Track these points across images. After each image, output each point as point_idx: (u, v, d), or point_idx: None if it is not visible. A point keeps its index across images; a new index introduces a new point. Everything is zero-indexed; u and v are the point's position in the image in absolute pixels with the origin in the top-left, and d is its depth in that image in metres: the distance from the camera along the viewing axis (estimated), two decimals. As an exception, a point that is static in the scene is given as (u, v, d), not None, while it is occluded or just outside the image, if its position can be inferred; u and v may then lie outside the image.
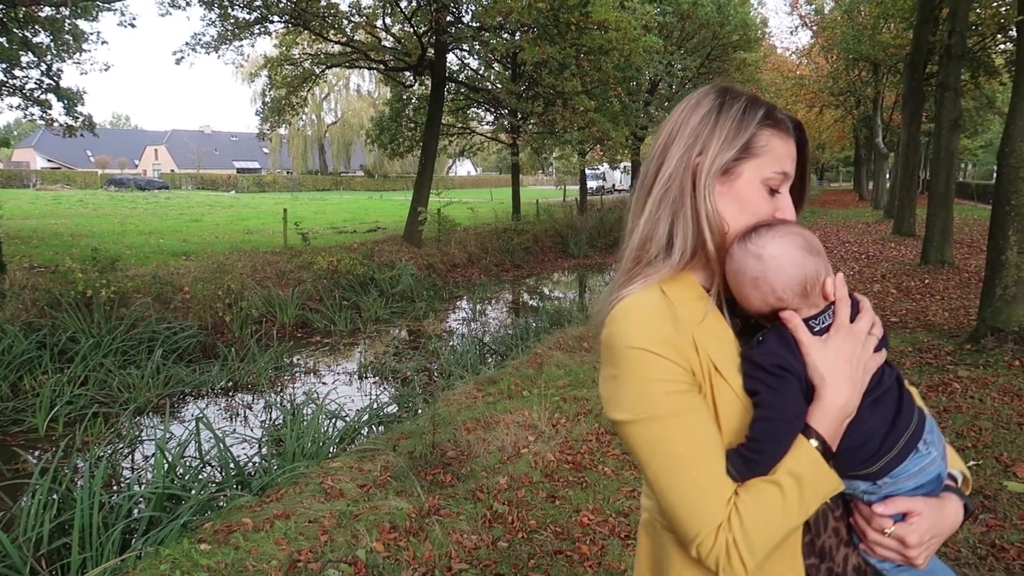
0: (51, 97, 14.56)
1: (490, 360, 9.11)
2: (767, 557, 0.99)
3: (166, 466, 4.80)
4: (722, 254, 1.08)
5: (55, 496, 4.34)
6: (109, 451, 6.18)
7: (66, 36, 14.18)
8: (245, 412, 7.57)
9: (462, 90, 21.86)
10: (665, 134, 1.14)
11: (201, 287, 10.75)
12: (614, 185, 55.42)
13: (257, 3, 15.40)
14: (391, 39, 18.21)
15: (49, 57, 14.29)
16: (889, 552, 1.05)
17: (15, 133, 67.89)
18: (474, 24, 17.92)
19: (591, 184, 42.21)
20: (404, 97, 21.52)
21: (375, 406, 6.91)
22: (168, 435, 5.87)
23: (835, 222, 24.79)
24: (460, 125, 24.45)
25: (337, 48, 18.09)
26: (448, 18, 17.04)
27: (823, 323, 1.05)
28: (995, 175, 7.20)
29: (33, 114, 14.75)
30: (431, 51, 17.33)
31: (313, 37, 17.65)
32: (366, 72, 49.47)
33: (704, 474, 1.00)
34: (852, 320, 1.06)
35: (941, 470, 1.09)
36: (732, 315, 1.12)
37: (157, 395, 7.63)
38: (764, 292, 1.05)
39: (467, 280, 16.48)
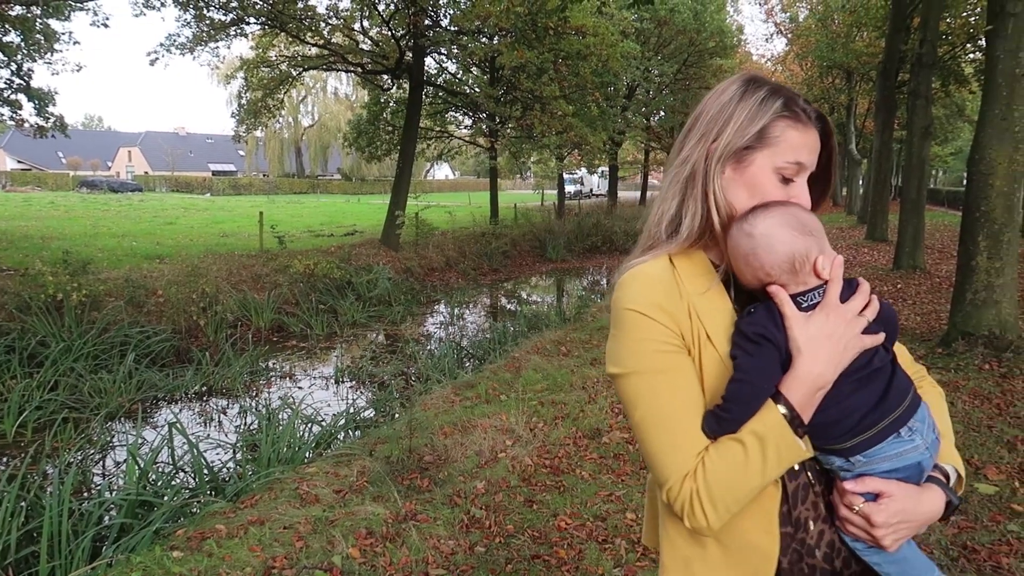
0: (21, 97, 14.36)
1: (468, 364, 9.09)
2: (731, 512, 1.06)
3: (138, 472, 4.72)
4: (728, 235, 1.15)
5: (23, 503, 4.26)
6: (79, 457, 6.08)
7: (37, 35, 13.98)
8: (219, 417, 7.48)
9: (440, 94, 21.83)
10: (691, 120, 1.21)
11: (175, 291, 10.62)
12: (592, 190, 55.65)
13: (233, 4, 15.27)
14: (369, 42, 18.14)
15: (20, 57, 14.08)
16: (857, 530, 1.08)
17: (-16, 134, 66.68)
18: (452, 28, 17.91)
19: (569, 189, 42.36)
20: (382, 100, 21.44)
21: (352, 411, 6.86)
22: (140, 441, 5.78)
23: (809, 227, 25.03)
24: (438, 129, 24.41)
25: (314, 50, 17.97)
26: (426, 21, 17.02)
27: (812, 300, 1.09)
28: (965, 182, 7.33)
29: (3, 114, 14.52)
30: (409, 54, 17.29)
31: (290, 39, 17.52)
32: (343, 75, 49.30)
33: (679, 427, 1.09)
34: (844, 300, 1.08)
35: (923, 459, 1.10)
36: (740, 291, 1.17)
37: (129, 400, 7.52)
38: (755, 268, 1.11)
39: (445, 284, 16.44)
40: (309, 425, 6.21)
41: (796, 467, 1.11)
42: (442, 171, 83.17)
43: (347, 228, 21.81)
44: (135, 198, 39.89)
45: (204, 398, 8.03)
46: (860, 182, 30.57)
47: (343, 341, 10.96)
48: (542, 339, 8.68)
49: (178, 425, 5.50)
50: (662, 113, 33.68)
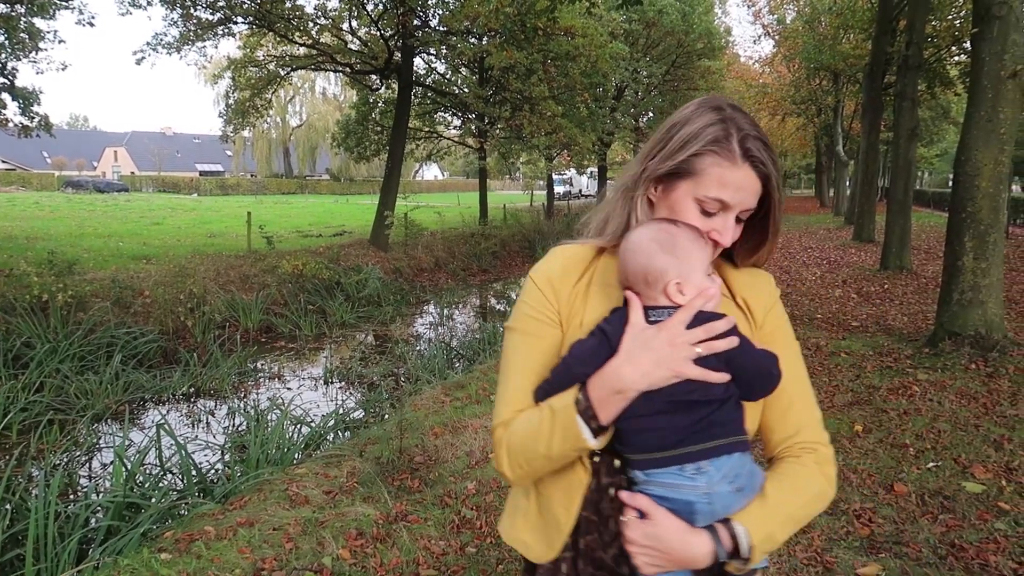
0: (5, 96, 14.21)
1: (458, 365, 9.08)
2: (524, 470, 1.18)
3: (125, 474, 4.68)
4: None
5: (8, 506, 4.21)
6: (65, 459, 6.02)
7: (21, 34, 13.82)
8: (208, 418, 7.43)
9: (429, 94, 21.81)
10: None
11: (162, 291, 10.54)
12: (581, 190, 55.75)
13: (220, 4, 15.20)
14: (357, 42, 18.09)
15: (3, 55, 13.93)
16: (625, 540, 1.14)
17: (-32, 133, 65.97)
18: (441, 28, 17.90)
19: (558, 189, 42.41)
20: (370, 100, 21.39)
21: (341, 411, 6.83)
22: (127, 442, 5.73)
23: (797, 228, 25.21)
24: (427, 129, 24.38)
25: (302, 50, 17.91)
26: (415, 22, 17.00)
27: (659, 317, 1.12)
28: (951, 183, 7.39)
29: (-14, 114, 14.36)
30: (398, 54, 17.26)
31: (278, 39, 17.45)
32: (332, 75, 49.17)
33: (515, 382, 1.22)
34: (690, 327, 1.09)
35: (697, 501, 1.09)
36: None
37: (116, 401, 7.46)
38: (619, 271, 1.19)
39: (434, 284, 16.41)
40: (298, 426, 6.18)
41: (616, 466, 1.17)
42: (431, 171, 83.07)
43: (336, 228, 21.74)
44: (121, 198, 39.61)
45: (192, 399, 7.97)
46: (847, 183, 30.76)
47: (332, 342, 10.92)
48: (532, 339, 8.66)
49: (166, 426, 5.45)
50: (651, 114, 33.79)
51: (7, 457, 5.74)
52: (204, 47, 16.47)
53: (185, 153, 75.44)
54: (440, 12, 18.03)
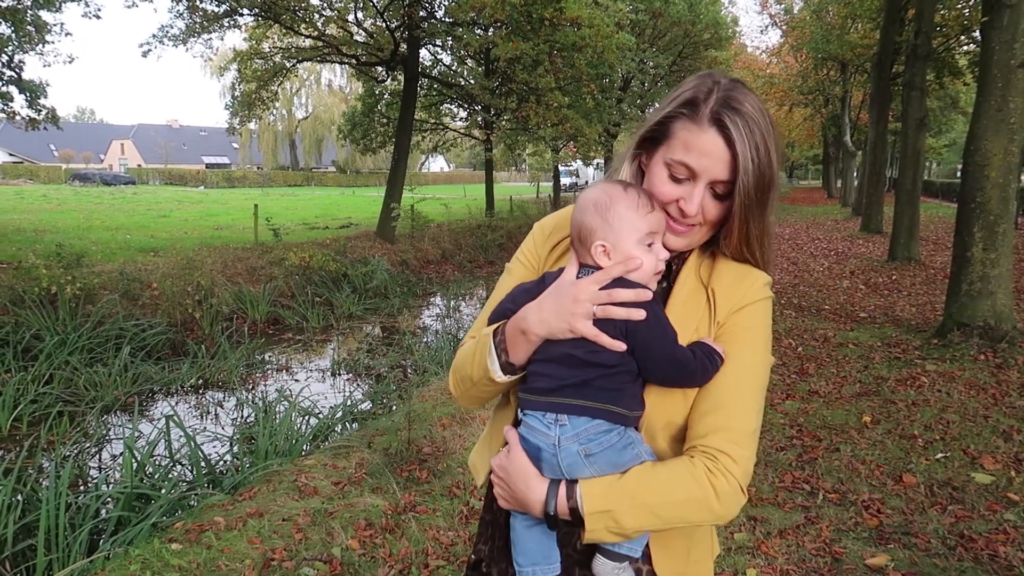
0: (12, 89, 14.24)
1: (464, 356, 9.07)
2: (463, 387, 1.28)
3: (135, 465, 4.71)
4: None
5: (19, 497, 4.24)
6: (75, 450, 6.06)
7: (28, 27, 13.84)
8: (216, 410, 7.47)
9: (435, 86, 21.75)
10: None
11: (170, 284, 10.58)
12: (587, 182, 55.56)
13: (226, -5, 15.18)
14: (363, 34, 18.06)
15: (10, 48, 13.95)
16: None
17: (-25, 126, 66.20)
18: (447, 19, 17.83)
19: (564, 181, 42.32)
20: (376, 92, 21.37)
21: (349, 403, 6.84)
22: (137, 434, 5.76)
23: (805, 219, 25.12)
24: (433, 121, 24.34)
25: (308, 42, 17.88)
26: (421, 13, 16.94)
27: (584, 274, 1.15)
28: (960, 173, 7.34)
29: (-6, 106, 14.39)
30: (404, 46, 17.22)
31: (284, 31, 17.44)
32: (337, 67, 49.15)
33: (485, 312, 1.31)
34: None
35: (543, 448, 1.12)
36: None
37: (125, 393, 7.49)
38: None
39: (441, 276, 16.42)
40: (306, 417, 6.20)
41: None
42: (437, 163, 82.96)
43: (342, 221, 21.76)
44: (128, 191, 39.69)
45: (200, 391, 8.01)
46: (854, 174, 30.61)
47: (339, 334, 10.94)
48: (538, 331, 8.66)
49: (175, 418, 5.48)
50: (657, 105, 33.63)
51: (18, 448, 5.78)
52: (210, 39, 16.45)
53: (191, 146, 75.57)
54: (446, 3, 17.95)
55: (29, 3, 13.45)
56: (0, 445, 6.29)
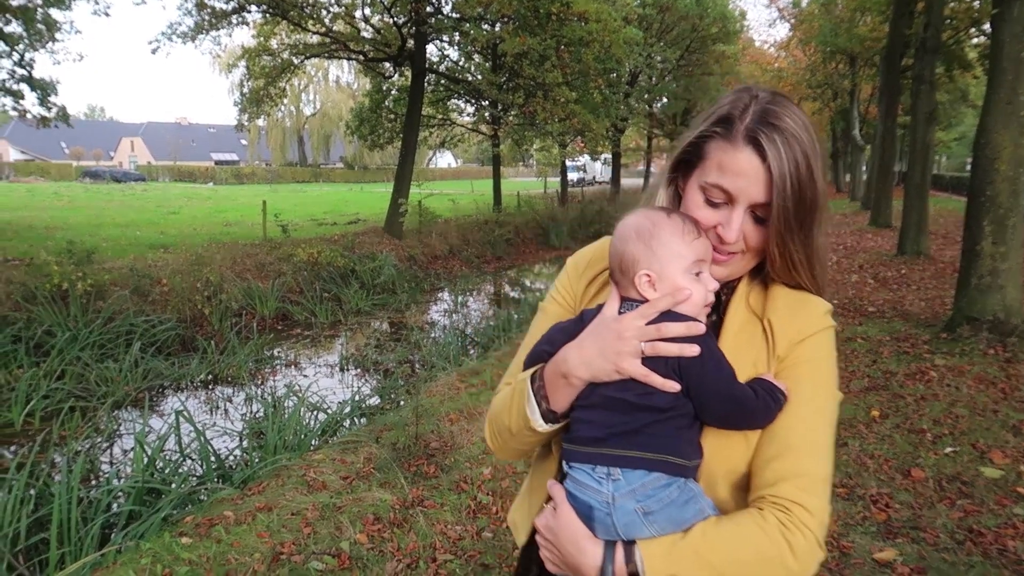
0: (24, 87, 14.32)
1: (472, 351, 9.11)
2: (498, 441, 1.21)
3: (145, 460, 4.75)
4: None
5: (32, 491, 4.29)
6: (87, 445, 6.11)
7: (39, 25, 13.92)
8: (225, 405, 7.51)
9: (442, 81, 21.74)
10: None
11: (179, 280, 10.63)
12: (595, 177, 55.51)
13: (234, -8, 15.21)
14: (370, 30, 18.05)
15: (21, 47, 14.04)
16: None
17: (-14, 124, 66.59)
18: (454, 15, 17.82)
19: (572, 176, 42.24)
20: (384, 88, 21.36)
21: (357, 398, 6.87)
22: (147, 429, 5.81)
23: (813, 214, 24.97)
24: (440, 116, 24.33)
25: (316, 38, 17.89)
26: (428, 8, 16.93)
27: (627, 309, 1.06)
28: (970, 167, 7.30)
29: (5, 105, 14.50)
30: (411, 42, 17.21)
31: (292, 27, 17.45)
32: (345, 63, 49.14)
33: (520, 355, 1.24)
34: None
35: (596, 507, 1.02)
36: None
37: (136, 388, 7.55)
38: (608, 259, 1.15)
39: (448, 272, 16.44)
40: (315, 412, 6.23)
41: None
42: (444, 159, 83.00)
43: (350, 216, 21.80)
44: (138, 188, 39.88)
45: (210, 386, 8.06)
46: (863, 168, 30.44)
47: (347, 329, 10.98)
48: (546, 326, 8.67)
49: (184, 413, 5.52)
50: (665, 100, 33.56)
51: (31, 443, 5.83)
52: (219, 36, 16.56)
53: (200, 143, 75.79)
54: (453, -2, 17.96)
55: (40, 1, 13.52)
56: (13, 440, 6.36)
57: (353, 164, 64.23)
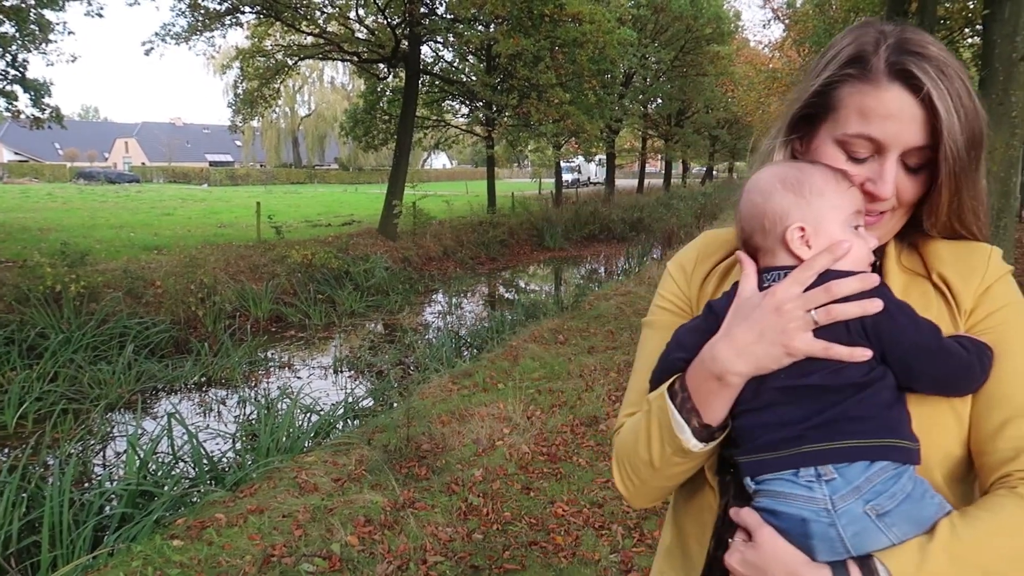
0: (17, 88, 14.28)
1: (465, 353, 9.11)
2: (633, 479, 0.97)
3: (138, 462, 4.75)
4: None
5: (24, 494, 4.28)
6: (80, 448, 6.11)
7: (32, 26, 13.87)
8: (218, 407, 7.51)
9: (437, 82, 21.76)
10: None
11: (173, 282, 10.62)
12: (589, 178, 55.60)
13: (228, -7, 15.21)
14: (364, 31, 18.07)
15: (14, 47, 13.99)
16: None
17: (-20, 125, 66.41)
18: (448, 16, 17.85)
19: (566, 177, 42.29)
20: (378, 89, 21.37)
21: (350, 400, 6.88)
22: (140, 431, 5.81)
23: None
24: (435, 118, 24.35)
25: (310, 40, 17.90)
26: (422, 10, 16.96)
27: (773, 279, 0.88)
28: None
29: (-2, 106, 14.46)
30: (405, 43, 17.23)
31: (285, 28, 17.46)
32: (339, 64, 49.06)
33: (638, 381, 1.04)
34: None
35: (812, 519, 0.80)
36: None
37: (129, 391, 7.54)
38: (736, 224, 0.96)
39: (442, 273, 16.45)
40: (308, 414, 6.24)
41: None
42: (439, 160, 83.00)
43: (345, 218, 21.78)
44: (132, 189, 39.74)
45: (203, 388, 8.05)
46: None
47: (341, 331, 10.98)
48: (539, 328, 8.70)
49: (177, 415, 5.52)
50: (659, 100, 33.63)
51: (23, 446, 5.83)
52: (212, 37, 16.49)
53: (195, 143, 75.64)
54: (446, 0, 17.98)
55: (32, 2, 13.48)
56: (6, 442, 6.35)
57: (348, 165, 64.19)
